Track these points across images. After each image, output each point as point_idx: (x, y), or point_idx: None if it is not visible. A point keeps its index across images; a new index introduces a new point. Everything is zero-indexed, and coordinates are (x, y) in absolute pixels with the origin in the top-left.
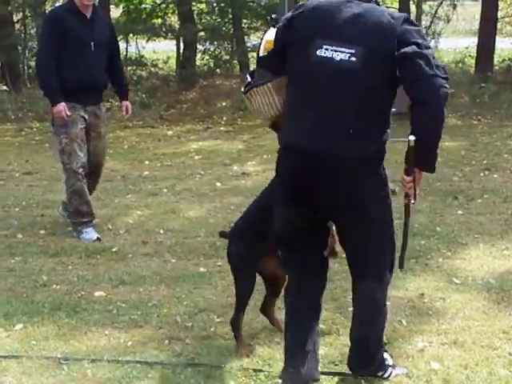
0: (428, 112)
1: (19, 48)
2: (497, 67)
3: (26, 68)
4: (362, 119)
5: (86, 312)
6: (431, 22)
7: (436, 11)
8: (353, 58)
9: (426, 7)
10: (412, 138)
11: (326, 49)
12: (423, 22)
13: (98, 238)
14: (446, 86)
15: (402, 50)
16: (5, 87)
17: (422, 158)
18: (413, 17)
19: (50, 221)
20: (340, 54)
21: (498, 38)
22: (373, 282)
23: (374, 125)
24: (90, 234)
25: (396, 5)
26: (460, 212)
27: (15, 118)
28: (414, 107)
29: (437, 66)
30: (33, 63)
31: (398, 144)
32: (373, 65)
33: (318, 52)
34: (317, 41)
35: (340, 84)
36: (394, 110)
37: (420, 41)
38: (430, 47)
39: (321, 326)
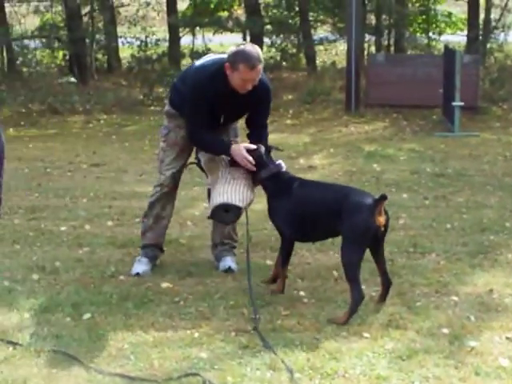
0: None
1: (87, 41)
2: None
3: (93, 60)
4: None
5: (153, 303)
6: (501, 15)
7: (506, 3)
8: None
9: None
10: None
11: None
12: (492, 15)
13: (137, 274)
14: None
15: None
16: (73, 79)
17: None
18: (482, 9)
19: (117, 212)
20: None
21: None
22: None
23: None
24: (138, 265)
25: None
26: None
27: (83, 109)
28: None
29: None
30: (100, 56)
31: (468, 138)
32: None
33: None
34: None
35: None
36: (462, 103)
37: None
38: None
39: (387, 319)
